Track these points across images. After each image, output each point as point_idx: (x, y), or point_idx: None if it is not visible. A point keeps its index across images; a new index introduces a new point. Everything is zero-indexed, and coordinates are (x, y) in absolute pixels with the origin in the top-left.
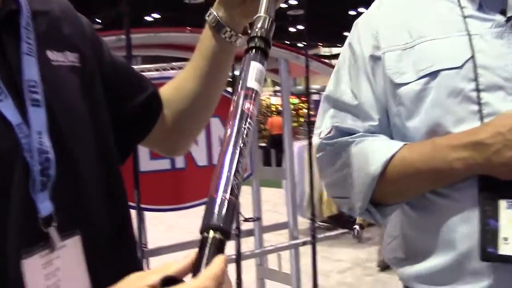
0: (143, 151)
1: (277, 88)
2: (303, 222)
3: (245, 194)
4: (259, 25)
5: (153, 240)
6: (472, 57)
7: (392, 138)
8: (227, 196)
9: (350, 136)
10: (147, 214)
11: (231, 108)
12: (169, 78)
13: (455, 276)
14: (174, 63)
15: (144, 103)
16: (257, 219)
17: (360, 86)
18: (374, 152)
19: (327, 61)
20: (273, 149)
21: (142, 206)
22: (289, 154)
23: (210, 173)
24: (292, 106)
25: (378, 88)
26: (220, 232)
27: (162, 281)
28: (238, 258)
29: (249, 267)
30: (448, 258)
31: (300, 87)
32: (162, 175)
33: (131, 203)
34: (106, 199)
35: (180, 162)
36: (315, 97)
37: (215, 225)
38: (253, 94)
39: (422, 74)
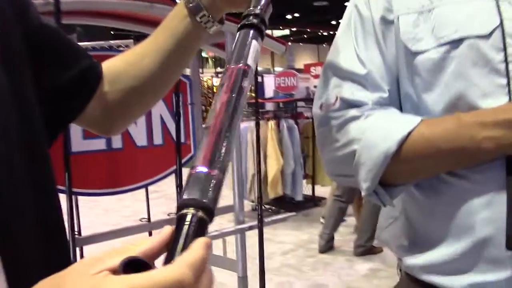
0: (75, 130)
1: (219, 69)
2: (245, 205)
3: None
4: (258, 4)
5: (88, 224)
6: (501, 24)
7: (401, 112)
8: (215, 171)
9: (358, 109)
10: (81, 197)
11: (225, 80)
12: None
13: (471, 265)
14: (112, 42)
15: (78, 76)
16: None
17: (368, 53)
18: (388, 127)
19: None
20: None
21: (74, 190)
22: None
23: (150, 154)
24: None
25: (389, 56)
26: (203, 211)
27: (124, 265)
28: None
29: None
30: (464, 246)
31: None
32: (96, 156)
33: (61, 187)
34: (29, 189)
35: (117, 142)
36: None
37: (197, 201)
38: (250, 73)
39: (443, 42)
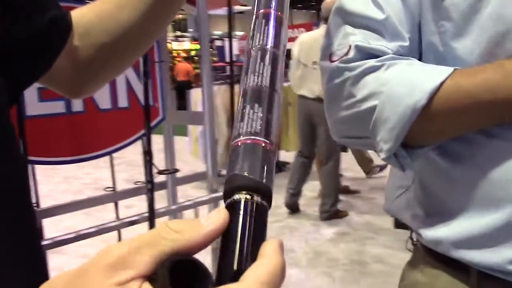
0: (29, 91)
1: (178, 33)
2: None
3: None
4: None
5: (47, 193)
6: None
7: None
8: (269, 143)
9: (377, 59)
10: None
11: (261, 30)
12: None
13: (503, 238)
14: None
15: (45, 28)
16: (174, 171)
17: None
18: (416, 78)
19: None
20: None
21: (31, 158)
22: (208, 97)
23: (114, 118)
24: (194, 52)
25: None
26: (263, 196)
27: (171, 271)
28: (152, 216)
29: (157, 223)
30: (500, 216)
31: None
32: (54, 120)
33: None
34: None
35: (77, 105)
36: (218, 43)
37: (256, 183)
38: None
39: None
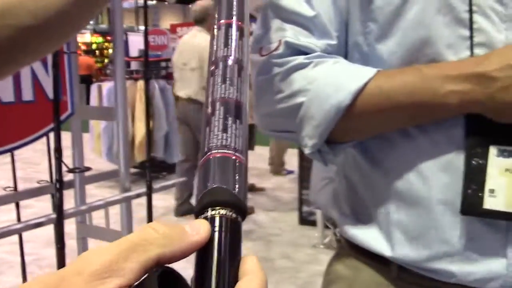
0: None
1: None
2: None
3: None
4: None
5: None
6: None
7: None
8: (240, 156)
9: (305, 56)
10: None
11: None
12: None
13: (419, 236)
14: None
15: None
16: (85, 169)
17: None
18: (342, 78)
19: None
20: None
21: None
22: (121, 91)
23: (18, 113)
24: (95, 45)
25: None
26: (237, 211)
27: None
28: (60, 217)
29: (66, 224)
30: (413, 215)
31: (104, 26)
32: None
33: None
34: None
35: None
36: None
37: (230, 198)
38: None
39: None
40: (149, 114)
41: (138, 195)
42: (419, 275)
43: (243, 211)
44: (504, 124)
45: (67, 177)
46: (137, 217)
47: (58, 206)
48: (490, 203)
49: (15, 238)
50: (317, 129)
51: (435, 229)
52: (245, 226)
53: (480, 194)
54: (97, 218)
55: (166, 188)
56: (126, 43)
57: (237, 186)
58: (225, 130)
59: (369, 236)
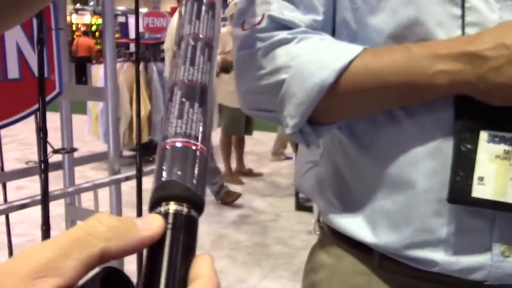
0: None
1: (78, 6)
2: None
3: (50, 121)
4: None
5: None
6: None
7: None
8: (199, 144)
9: (289, 31)
10: None
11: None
12: None
13: (402, 223)
14: None
15: None
16: (71, 150)
17: None
18: (326, 55)
19: None
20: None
21: None
22: (110, 72)
23: (3, 91)
24: (95, 27)
25: None
26: (193, 206)
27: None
28: (45, 199)
29: (54, 206)
30: (400, 200)
31: None
32: None
33: None
34: None
35: None
36: (120, 19)
37: (186, 192)
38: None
39: None
40: (139, 97)
41: (127, 178)
42: (401, 264)
43: (200, 206)
44: (495, 108)
45: (57, 158)
46: (130, 200)
47: (43, 187)
48: (478, 191)
49: (12, 218)
50: (299, 108)
51: (419, 217)
52: (242, 211)
53: (468, 182)
54: (89, 200)
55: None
56: (126, 25)
57: (194, 178)
58: (180, 116)
59: (352, 223)
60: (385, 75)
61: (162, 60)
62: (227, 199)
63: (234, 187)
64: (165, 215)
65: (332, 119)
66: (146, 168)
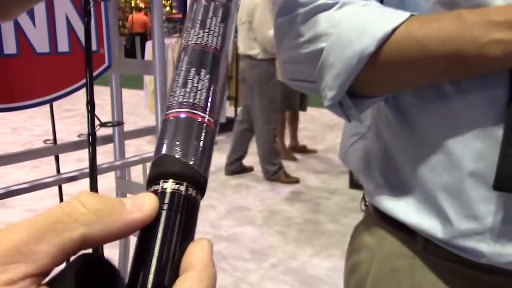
0: None
1: None
2: None
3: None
4: None
5: None
6: None
7: None
8: (206, 116)
9: None
10: None
11: None
12: None
13: (454, 205)
14: None
15: None
16: (117, 123)
17: None
18: (368, 22)
19: None
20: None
21: None
22: (159, 44)
23: (53, 64)
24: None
25: None
26: (194, 185)
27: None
28: (93, 172)
29: (104, 177)
30: (448, 183)
31: None
32: None
33: None
34: None
35: (10, 46)
36: None
37: (189, 170)
38: None
39: None
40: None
41: None
42: (446, 250)
43: (201, 185)
44: None
45: (109, 132)
46: None
47: (91, 160)
48: None
49: (70, 189)
50: (337, 79)
51: (466, 202)
52: (295, 187)
53: None
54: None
55: None
56: (183, 0)
57: (197, 153)
58: (185, 84)
59: (398, 205)
60: (432, 44)
61: None
62: (283, 179)
63: (287, 164)
64: (162, 194)
65: (374, 92)
66: None
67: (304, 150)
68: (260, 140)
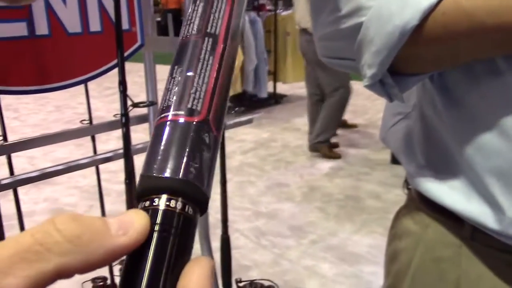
0: None
1: None
2: None
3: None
4: None
5: (40, 122)
6: None
7: None
8: (214, 129)
9: None
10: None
11: None
12: None
13: (505, 191)
14: None
15: None
16: (151, 103)
17: None
18: None
19: None
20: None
21: None
22: None
23: (86, 44)
24: None
25: None
26: (187, 200)
27: None
28: (127, 153)
29: (142, 156)
30: (499, 167)
31: None
32: (16, 45)
33: None
34: None
35: (42, 27)
36: None
37: (185, 185)
38: None
39: None
40: None
41: None
42: (496, 238)
43: (203, 202)
44: None
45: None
46: (226, 150)
47: (124, 141)
48: None
49: (113, 166)
50: (377, 56)
51: None
52: (335, 163)
53: None
54: None
55: (240, 125)
56: None
57: (195, 163)
58: (176, 84)
59: (443, 189)
60: (482, 15)
61: (254, 9)
62: (326, 152)
63: None
64: (153, 212)
65: (418, 69)
66: (242, 119)
67: (345, 124)
68: (329, 109)
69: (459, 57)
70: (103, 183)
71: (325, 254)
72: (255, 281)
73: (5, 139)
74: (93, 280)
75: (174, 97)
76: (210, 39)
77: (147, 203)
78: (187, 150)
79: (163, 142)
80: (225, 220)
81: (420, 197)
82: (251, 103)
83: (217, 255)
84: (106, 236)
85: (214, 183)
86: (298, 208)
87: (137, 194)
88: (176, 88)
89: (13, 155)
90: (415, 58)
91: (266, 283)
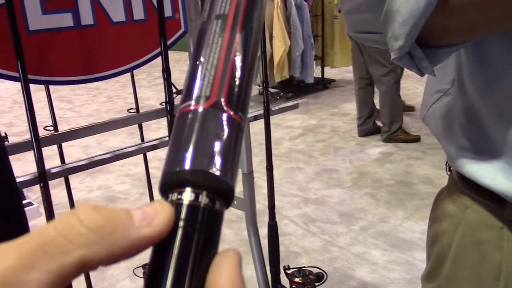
0: (31, 3)
1: None
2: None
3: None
4: None
5: (93, 112)
6: None
7: None
8: (231, 111)
9: None
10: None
11: None
12: None
13: None
14: None
15: None
16: None
17: None
18: None
19: None
20: None
21: (38, 78)
22: None
23: (130, 33)
24: None
25: None
26: (212, 193)
27: None
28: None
29: None
30: None
31: None
32: (61, 35)
33: (11, 73)
34: None
35: (87, 17)
36: None
37: (212, 179)
38: None
39: None
40: (264, 36)
41: (255, 117)
42: None
43: (228, 195)
44: None
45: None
46: (257, 140)
47: (169, 129)
48: None
49: (163, 154)
50: (404, 27)
51: None
52: (385, 147)
53: None
54: None
55: (285, 110)
56: None
57: (220, 156)
58: (194, 74)
59: (484, 170)
60: None
61: None
62: (404, 138)
63: (379, 122)
64: (177, 206)
65: (448, 40)
66: (288, 104)
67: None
68: (387, 98)
69: (491, 25)
70: (153, 171)
71: (376, 241)
72: (303, 268)
73: (55, 129)
74: (144, 266)
75: (184, 89)
76: (219, 21)
77: (172, 197)
78: (198, 139)
79: (176, 135)
80: (272, 207)
81: (461, 178)
82: (299, 89)
83: (265, 241)
84: (130, 227)
85: (262, 170)
86: (348, 194)
87: (160, 188)
88: (185, 79)
89: (67, 145)
90: (443, 28)
91: (315, 271)
